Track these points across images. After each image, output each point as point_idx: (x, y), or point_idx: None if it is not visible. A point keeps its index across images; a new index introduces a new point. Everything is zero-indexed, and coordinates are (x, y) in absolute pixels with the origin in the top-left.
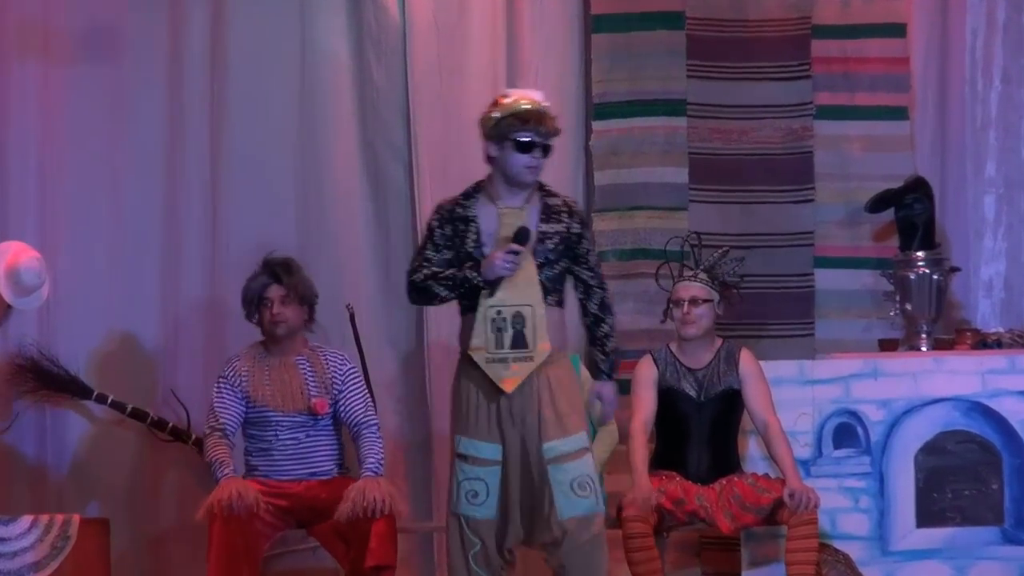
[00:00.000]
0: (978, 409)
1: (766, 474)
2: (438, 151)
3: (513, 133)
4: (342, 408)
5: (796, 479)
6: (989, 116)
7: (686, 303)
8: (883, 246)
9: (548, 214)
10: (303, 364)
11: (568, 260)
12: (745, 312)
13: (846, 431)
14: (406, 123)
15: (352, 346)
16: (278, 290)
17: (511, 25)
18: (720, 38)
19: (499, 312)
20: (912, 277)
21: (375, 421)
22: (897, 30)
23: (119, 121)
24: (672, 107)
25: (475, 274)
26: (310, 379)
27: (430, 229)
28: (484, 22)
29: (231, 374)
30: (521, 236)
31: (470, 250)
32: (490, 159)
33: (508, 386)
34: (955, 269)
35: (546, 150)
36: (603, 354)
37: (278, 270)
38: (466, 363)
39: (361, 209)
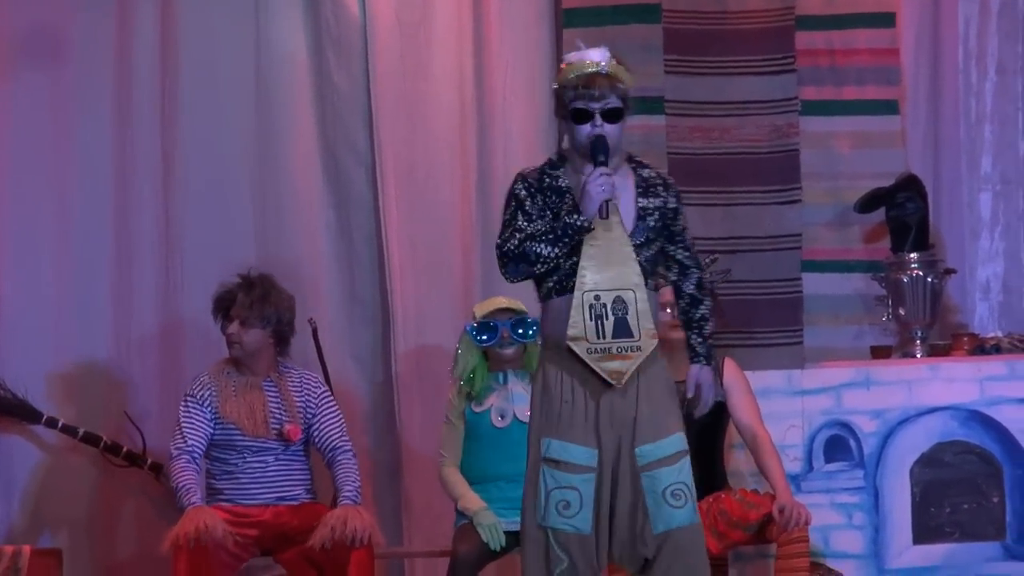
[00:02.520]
0: (976, 418)
1: (755, 489)
2: (403, 155)
3: (570, 104)
4: (316, 433)
5: (787, 494)
6: (984, 109)
7: (669, 306)
8: (874, 248)
9: (645, 187)
10: (270, 388)
11: (664, 239)
12: (730, 320)
13: (838, 443)
14: (368, 126)
15: (315, 363)
16: (238, 309)
17: (478, 21)
18: (699, 31)
19: (597, 297)
20: (905, 280)
21: (350, 447)
22: (886, 20)
23: (64, 129)
24: (649, 105)
25: (576, 216)
26: (275, 405)
27: (517, 199)
28: (449, 19)
29: (198, 391)
30: (600, 147)
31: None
32: (565, 133)
33: (617, 379)
34: (950, 271)
35: (611, 115)
36: (701, 337)
37: (243, 288)
38: (558, 354)
39: (322, 217)
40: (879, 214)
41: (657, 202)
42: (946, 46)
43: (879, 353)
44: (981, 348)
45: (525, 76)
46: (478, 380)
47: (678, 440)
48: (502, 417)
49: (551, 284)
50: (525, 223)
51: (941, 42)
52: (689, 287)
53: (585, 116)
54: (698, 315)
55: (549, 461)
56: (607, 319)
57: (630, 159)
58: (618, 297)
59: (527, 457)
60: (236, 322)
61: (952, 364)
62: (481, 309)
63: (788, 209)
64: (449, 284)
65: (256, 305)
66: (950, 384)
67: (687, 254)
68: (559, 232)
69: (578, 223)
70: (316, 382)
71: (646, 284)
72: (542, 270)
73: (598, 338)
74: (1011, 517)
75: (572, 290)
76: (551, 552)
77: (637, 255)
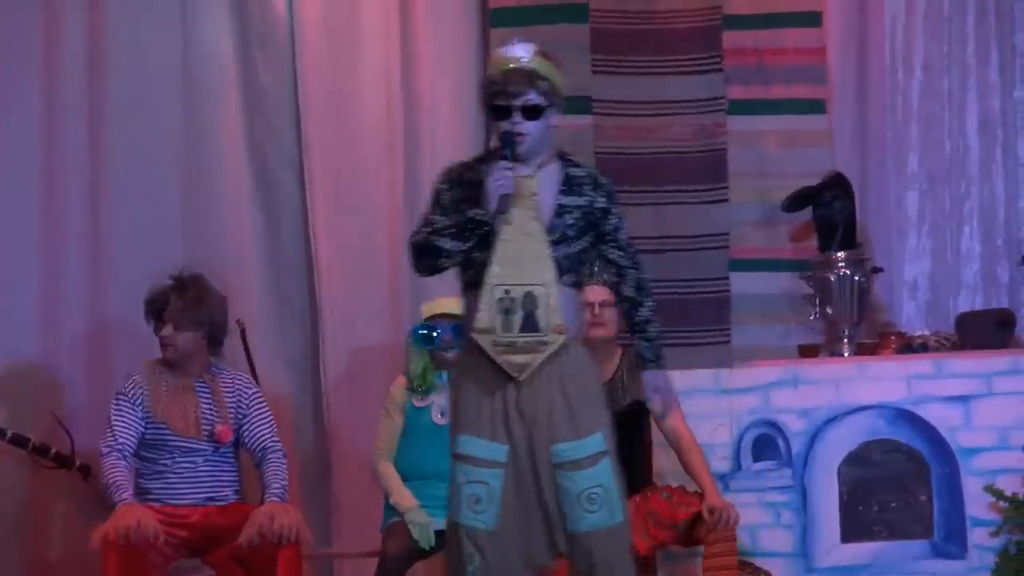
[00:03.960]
0: (904, 417)
1: (682, 486)
2: (331, 155)
3: (490, 100)
4: (246, 433)
5: (715, 494)
6: (911, 108)
7: (596, 305)
8: (801, 247)
9: (570, 186)
10: (202, 389)
11: (592, 238)
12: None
13: (765, 443)
14: (296, 126)
15: (243, 364)
16: (171, 312)
17: (405, 21)
18: (626, 31)
19: (507, 291)
20: (832, 279)
21: (280, 447)
22: (812, 19)
23: None
24: (576, 104)
25: (475, 210)
26: (207, 406)
27: (436, 192)
28: (376, 19)
29: (130, 389)
30: (506, 142)
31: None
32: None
33: (518, 371)
34: (877, 270)
35: (530, 111)
36: (646, 340)
37: (176, 290)
38: (468, 351)
39: (250, 218)
40: (806, 213)
41: (580, 201)
42: (873, 45)
43: (807, 352)
44: (908, 347)
45: (452, 76)
46: (428, 379)
47: (598, 440)
48: (442, 415)
49: (466, 279)
50: (439, 217)
51: (868, 41)
52: (627, 290)
53: (504, 112)
54: (640, 318)
55: (459, 456)
56: (515, 313)
57: (562, 157)
58: (528, 292)
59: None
60: (169, 325)
61: (879, 363)
62: (428, 310)
63: (715, 208)
64: (378, 284)
65: (190, 308)
66: (877, 383)
67: (621, 254)
68: (462, 225)
69: (477, 217)
70: (247, 383)
71: (560, 280)
72: (447, 264)
73: (504, 331)
74: (939, 515)
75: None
76: (465, 550)
77: (554, 251)
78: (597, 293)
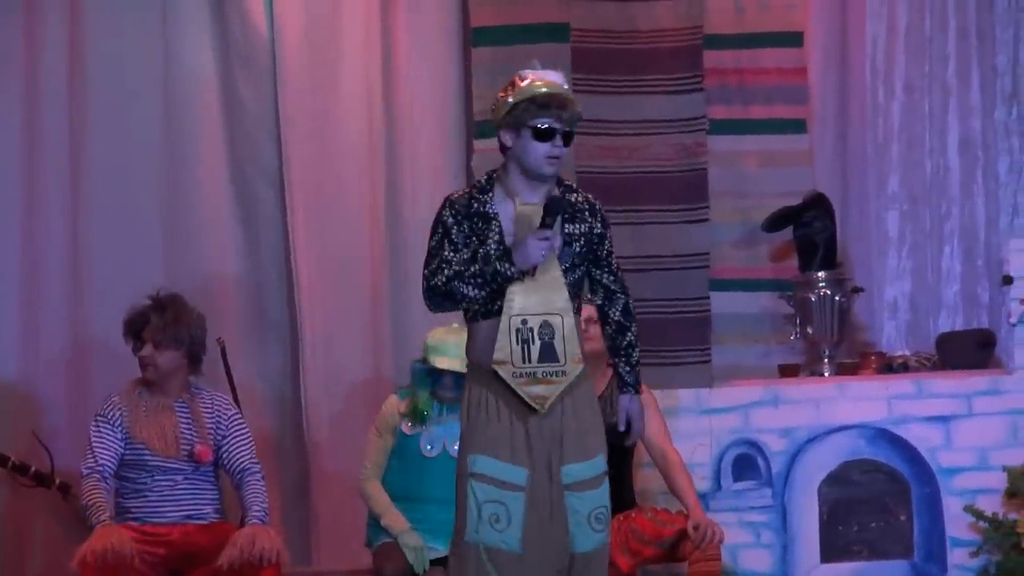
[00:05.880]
0: (884, 436)
1: (665, 508)
2: (311, 173)
3: (531, 120)
4: (225, 454)
5: (700, 512)
6: (891, 128)
7: (583, 321)
8: (782, 266)
9: (573, 213)
10: (181, 409)
11: (589, 263)
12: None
13: (746, 462)
14: (277, 144)
15: (223, 382)
16: (151, 331)
17: (386, 39)
18: (607, 50)
19: (524, 321)
20: (813, 299)
21: (259, 468)
22: (793, 39)
23: None
24: None
25: (507, 264)
26: (186, 426)
27: (444, 226)
28: (357, 38)
29: (110, 411)
30: (555, 207)
31: (491, 251)
32: (504, 149)
33: (540, 404)
34: (858, 289)
35: (567, 138)
36: (629, 366)
37: (155, 310)
38: (484, 376)
39: (231, 235)
40: (787, 233)
41: (583, 228)
42: (853, 65)
43: (787, 372)
44: (889, 367)
45: (433, 94)
46: (427, 411)
47: (601, 462)
48: (431, 447)
49: (477, 307)
50: (451, 254)
51: (849, 61)
52: (615, 314)
53: (548, 135)
54: (625, 342)
55: (476, 476)
56: (533, 343)
57: (560, 183)
58: (545, 322)
59: (456, 485)
60: (149, 344)
61: (860, 383)
62: (434, 355)
63: (696, 228)
64: (358, 301)
65: (170, 327)
66: (858, 403)
67: (613, 278)
68: (488, 277)
69: (508, 273)
70: (227, 404)
71: (573, 309)
72: (465, 308)
73: (523, 362)
74: (919, 535)
75: (498, 313)
76: (484, 571)
77: (566, 280)
78: (585, 309)
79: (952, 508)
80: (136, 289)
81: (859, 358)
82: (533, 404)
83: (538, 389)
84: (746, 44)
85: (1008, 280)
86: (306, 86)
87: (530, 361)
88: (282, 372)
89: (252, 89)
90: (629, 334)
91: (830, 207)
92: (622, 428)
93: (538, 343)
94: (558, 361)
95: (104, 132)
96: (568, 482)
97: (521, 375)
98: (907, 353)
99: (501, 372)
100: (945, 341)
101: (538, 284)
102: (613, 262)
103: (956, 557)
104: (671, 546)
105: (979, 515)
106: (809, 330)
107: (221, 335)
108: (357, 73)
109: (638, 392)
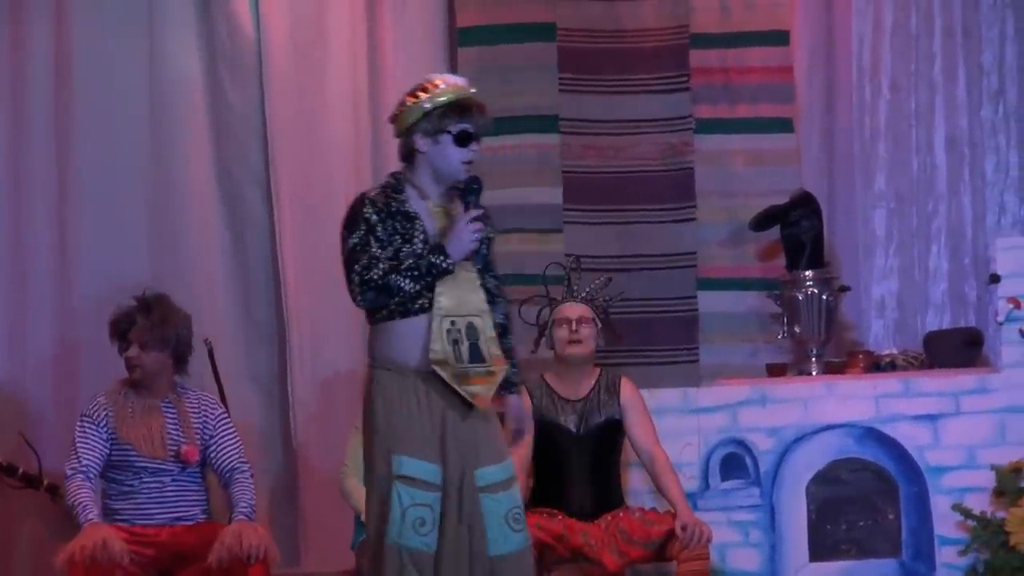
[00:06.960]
0: (872, 435)
1: (653, 507)
2: (298, 175)
3: (450, 125)
4: (213, 454)
5: (688, 512)
6: (878, 126)
7: (573, 321)
8: (769, 265)
9: (479, 217)
10: (168, 409)
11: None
12: (626, 338)
13: (734, 461)
14: (263, 146)
15: (211, 383)
16: (137, 332)
17: (372, 40)
18: (593, 50)
19: (453, 322)
20: (800, 298)
21: (247, 467)
22: (779, 38)
23: None
24: (544, 123)
25: (442, 257)
26: (173, 426)
27: (368, 223)
28: (343, 39)
29: (95, 411)
30: (475, 186)
31: (420, 249)
32: (413, 154)
33: (480, 403)
34: (845, 288)
35: (480, 141)
36: (513, 366)
37: (141, 311)
38: (399, 374)
39: (218, 237)
40: (774, 232)
41: (487, 231)
42: (840, 64)
43: (775, 371)
44: (876, 365)
45: None
46: None
47: (510, 465)
48: None
49: (393, 306)
50: (379, 250)
51: (835, 60)
52: (499, 317)
53: (467, 140)
54: (508, 344)
55: (403, 478)
56: (463, 344)
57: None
58: (471, 323)
59: (368, 473)
60: (136, 345)
61: (847, 382)
62: None
63: (683, 227)
64: (345, 302)
65: (156, 328)
66: (845, 401)
67: (496, 282)
68: (423, 270)
69: (443, 265)
70: (213, 404)
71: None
72: (396, 302)
73: (458, 362)
74: (907, 534)
75: (417, 312)
76: (406, 571)
77: (480, 280)
78: (575, 309)
79: (940, 507)
80: (122, 290)
81: (847, 357)
82: (472, 401)
83: (475, 387)
84: (732, 43)
85: (995, 278)
86: (292, 87)
87: (463, 361)
88: (269, 372)
89: (238, 90)
90: (511, 336)
91: (817, 206)
92: (516, 427)
93: (467, 343)
94: (485, 362)
95: (90, 133)
96: (482, 484)
97: (457, 374)
98: (895, 352)
99: (442, 372)
100: (933, 340)
101: (459, 286)
102: (495, 267)
103: (944, 555)
104: (659, 546)
105: (967, 514)
106: (797, 329)
107: (208, 336)
108: (343, 73)
109: (521, 391)
